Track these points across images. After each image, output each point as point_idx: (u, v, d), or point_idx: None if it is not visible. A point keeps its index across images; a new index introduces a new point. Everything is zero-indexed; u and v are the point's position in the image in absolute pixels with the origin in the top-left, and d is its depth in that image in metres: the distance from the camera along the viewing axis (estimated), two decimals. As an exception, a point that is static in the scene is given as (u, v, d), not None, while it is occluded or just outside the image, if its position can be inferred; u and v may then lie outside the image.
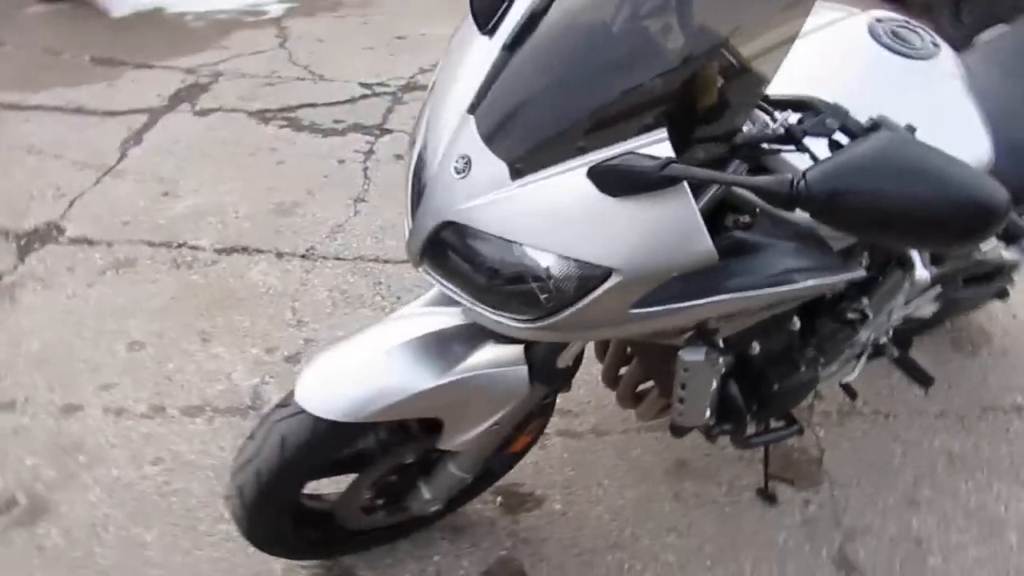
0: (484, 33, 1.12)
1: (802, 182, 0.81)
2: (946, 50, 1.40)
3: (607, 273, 0.97)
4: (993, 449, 1.98)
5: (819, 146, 0.99)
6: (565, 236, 0.98)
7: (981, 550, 1.75)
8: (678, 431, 1.62)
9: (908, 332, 1.85)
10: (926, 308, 1.83)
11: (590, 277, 0.98)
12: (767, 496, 1.84)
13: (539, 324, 1.06)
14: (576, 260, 0.98)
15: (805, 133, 1.01)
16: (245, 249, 2.52)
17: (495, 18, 1.12)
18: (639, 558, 1.71)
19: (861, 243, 1.34)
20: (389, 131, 3.22)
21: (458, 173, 1.04)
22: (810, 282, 1.15)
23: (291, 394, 1.30)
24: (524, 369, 1.26)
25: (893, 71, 1.33)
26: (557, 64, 1.06)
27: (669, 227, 0.94)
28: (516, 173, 1.00)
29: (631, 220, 0.95)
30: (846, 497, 1.85)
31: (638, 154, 0.92)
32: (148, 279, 2.39)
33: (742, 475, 1.89)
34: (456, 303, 1.28)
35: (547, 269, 1.00)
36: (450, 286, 1.13)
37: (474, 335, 1.28)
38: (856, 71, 1.32)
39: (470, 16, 1.16)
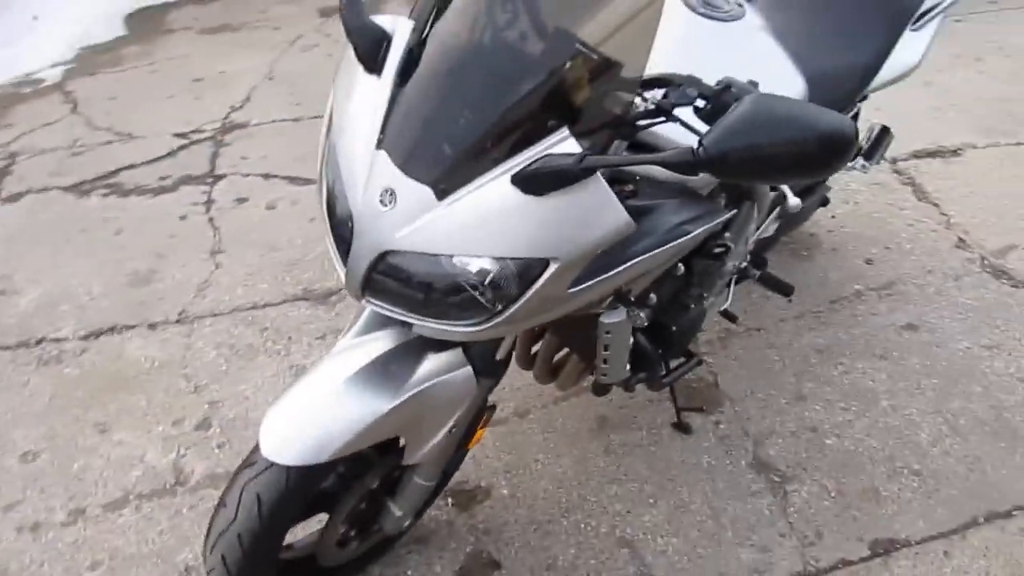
0: (371, 72, 1.19)
1: (701, 149, 0.95)
2: (749, 7, 1.61)
3: (545, 264, 1.08)
4: (848, 334, 2.29)
5: (685, 113, 1.14)
6: (501, 240, 1.08)
7: (864, 421, 2.04)
8: (601, 390, 1.77)
9: (761, 252, 2.10)
10: (771, 228, 2.08)
11: (530, 271, 1.09)
12: (682, 428, 2.03)
13: (490, 324, 1.15)
14: (514, 259, 1.08)
15: (673, 105, 1.15)
16: (113, 329, 2.41)
17: (379, 58, 1.18)
18: (591, 515, 1.85)
19: (721, 187, 1.53)
20: (222, 176, 3.15)
21: (384, 206, 1.11)
22: (700, 229, 1.32)
23: (254, 452, 1.32)
24: (468, 369, 1.35)
25: (714, 35, 1.52)
26: (449, 88, 1.14)
27: (591, 211, 1.06)
28: (442, 193, 1.09)
29: (558, 212, 1.06)
30: (746, 409, 2.08)
31: (554, 155, 1.03)
32: (17, 384, 2.24)
33: (656, 416, 2.07)
34: (388, 324, 1.36)
35: (489, 273, 1.10)
36: (396, 310, 1.19)
37: (413, 351, 1.35)
38: (684, 41, 1.50)
39: (351, 57, 1.22)
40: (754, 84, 1.12)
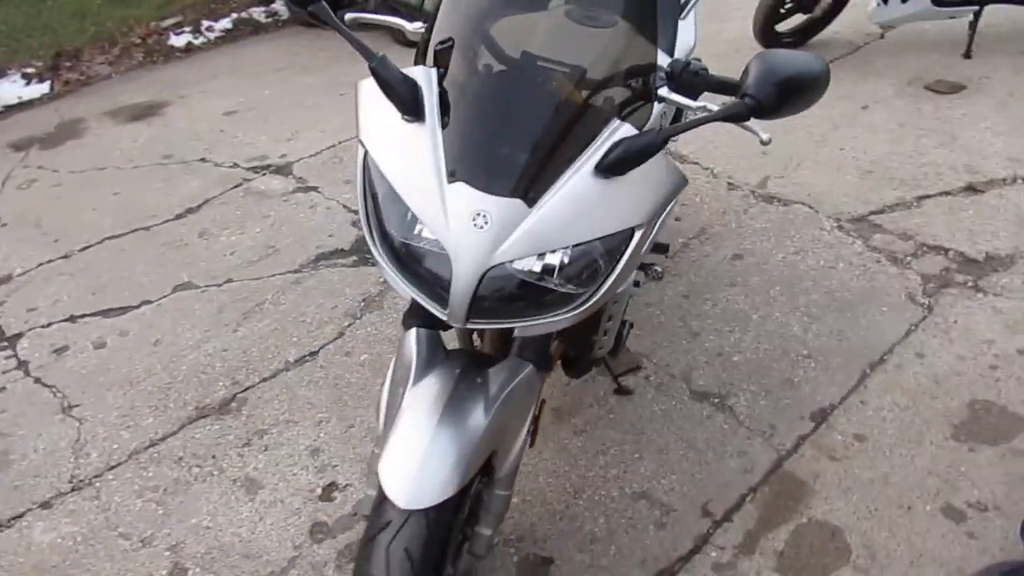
0: (412, 119, 1.28)
1: (748, 99, 1.21)
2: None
3: (630, 234, 1.27)
4: (698, 276, 2.72)
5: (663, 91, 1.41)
6: (591, 224, 1.24)
7: (750, 334, 2.45)
8: (582, 371, 1.95)
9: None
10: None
11: (618, 245, 1.27)
12: (624, 391, 2.28)
13: (587, 305, 1.30)
14: (603, 238, 1.26)
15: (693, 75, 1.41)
16: (-4, 525, 2.07)
17: (416, 105, 1.28)
18: (598, 486, 2.03)
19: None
20: (18, 335, 2.79)
21: (480, 228, 1.21)
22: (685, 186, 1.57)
23: (379, 515, 1.32)
24: (530, 366, 1.47)
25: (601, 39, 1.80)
26: (509, 113, 1.28)
27: (658, 176, 1.28)
28: (531, 201, 1.23)
29: (634, 185, 1.25)
30: (661, 358, 2.40)
31: (633, 137, 1.23)
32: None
33: (597, 391, 2.30)
34: (435, 357, 1.44)
35: (583, 258, 1.26)
36: (499, 322, 1.29)
37: (476, 369, 1.44)
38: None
39: (378, 113, 1.30)
40: (697, 59, 1.42)
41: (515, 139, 1.27)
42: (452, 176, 1.24)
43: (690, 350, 2.42)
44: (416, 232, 1.28)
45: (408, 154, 1.28)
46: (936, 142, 3.35)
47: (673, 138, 1.41)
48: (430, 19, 1.47)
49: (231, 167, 3.79)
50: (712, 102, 1.39)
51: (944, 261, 2.67)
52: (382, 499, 1.33)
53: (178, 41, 5.45)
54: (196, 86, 4.78)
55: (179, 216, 3.40)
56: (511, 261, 1.23)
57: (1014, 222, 2.83)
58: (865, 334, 2.41)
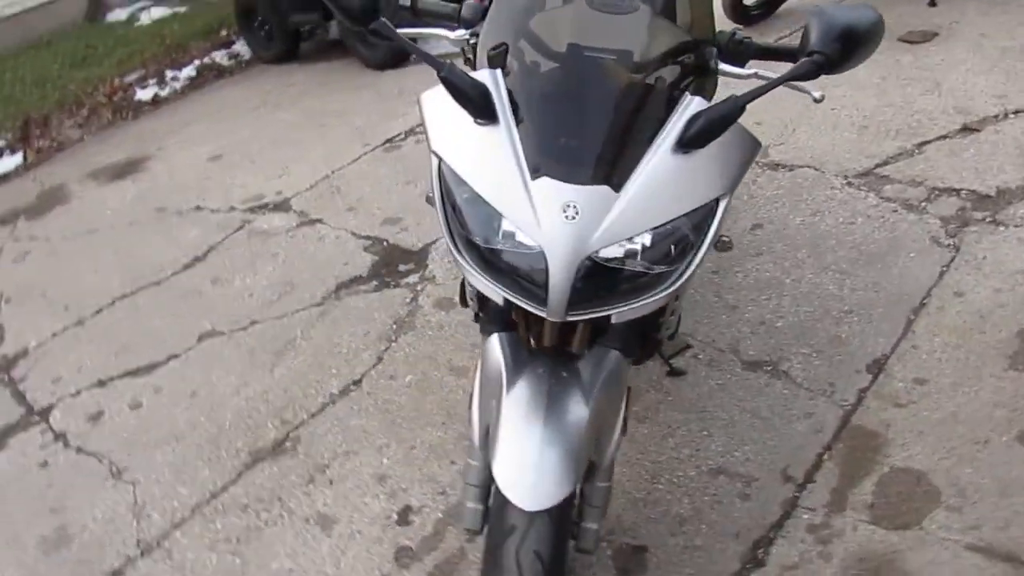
0: (483, 122, 1.28)
1: (817, 55, 1.22)
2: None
3: (715, 204, 1.28)
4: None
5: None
6: (678, 200, 1.25)
7: (787, 298, 2.47)
8: (648, 354, 1.95)
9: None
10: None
11: (705, 217, 1.28)
12: (677, 372, 2.29)
13: (680, 282, 1.30)
14: (690, 212, 1.26)
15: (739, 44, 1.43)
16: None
17: (488, 108, 1.28)
18: (674, 468, 2.03)
19: None
20: (49, 408, 2.74)
21: (571, 220, 1.21)
22: None
23: (502, 522, 1.32)
24: (618, 353, 1.47)
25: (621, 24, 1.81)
26: (575, 102, 1.29)
27: (735, 142, 1.29)
28: (616, 187, 1.23)
29: (714, 154, 1.26)
30: (705, 335, 2.41)
31: (713, 107, 1.23)
32: None
33: (649, 376, 2.31)
34: (522, 359, 1.44)
35: (673, 235, 1.26)
36: (597, 310, 1.29)
37: (558, 363, 1.45)
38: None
39: (449, 122, 1.30)
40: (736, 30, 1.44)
41: (591, 128, 1.27)
42: (536, 172, 1.24)
43: (732, 323, 2.43)
44: (503, 233, 1.27)
45: (487, 156, 1.28)
46: (922, 89, 3.41)
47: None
48: (481, 25, 1.48)
49: (228, 211, 3.75)
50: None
51: (958, 201, 2.72)
52: (502, 505, 1.32)
53: (144, 95, 5.39)
54: (173, 136, 4.74)
55: (187, 266, 3.36)
56: (605, 248, 1.23)
57: (1016, 155, 2.89)
58: (899, 282, 2.44)
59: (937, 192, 2.79)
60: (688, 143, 1.24)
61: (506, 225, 1.27)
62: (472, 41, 1.62)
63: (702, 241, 1.29)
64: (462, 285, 2.07)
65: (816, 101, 1.42)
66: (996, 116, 3.14)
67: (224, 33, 5.94)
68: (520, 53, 1.37)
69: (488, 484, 1.60)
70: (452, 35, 1.61)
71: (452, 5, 1.65)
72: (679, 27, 1.49)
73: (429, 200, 2.46)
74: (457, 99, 1.28)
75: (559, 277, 1.23)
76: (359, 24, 1.30)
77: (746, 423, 2.10)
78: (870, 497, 1.85)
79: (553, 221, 1.22)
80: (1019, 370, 2.07)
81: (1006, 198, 2.69)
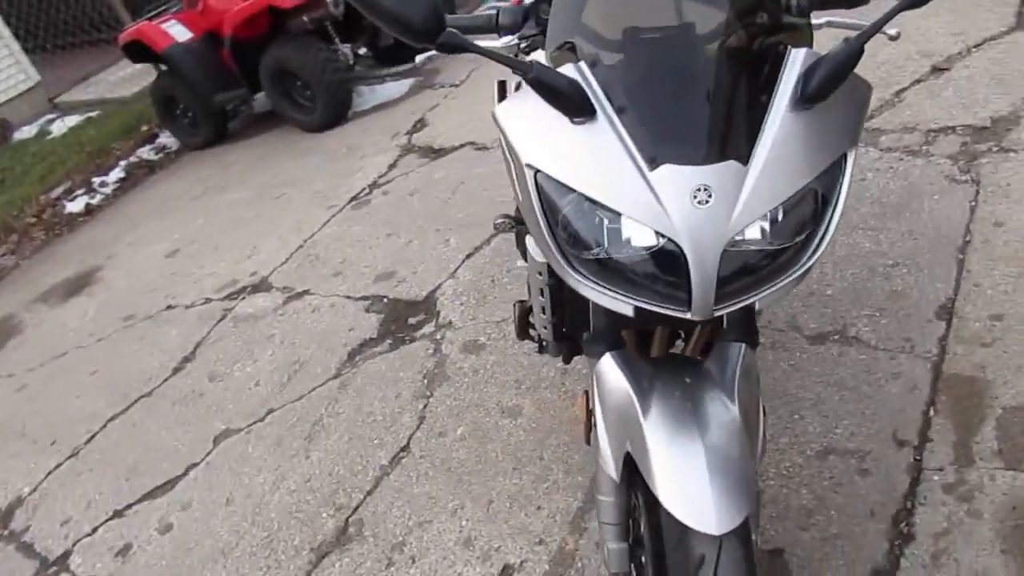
0: (581, 120, 1.15)
1: None
2: None
3: (843, 158, 1.17)
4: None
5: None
6: (809, 161, 1.14)
7: (828, 266, 2.40)
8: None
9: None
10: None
11: (834, 176, 1.17)
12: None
13: (821, 249, 1.19)
14: (821, 173, 1.15)
15: None
16: None
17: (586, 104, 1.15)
18: (777, 461, 1.91)
19: None
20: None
21: (703, 204, 1.09)
22: None
23: (685, 555, 1.18)
24: (744, 345, 1.35)
25: None
26: (676, 80, 1.17)
27: (852, 89, 1.19)
28: (743, 159, 1.11)
29: (833, 107, 1.16)
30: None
31: (830, 55, 1.13)
32: None
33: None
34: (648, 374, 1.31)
35: (804, 199, 1.15)
36: (742, 300, 1.16)
37: (679, 369, 1.33)
38: None
39: (538, 127, 1.17)
40: None
41: (698, 103, 1.16)
42: (653, 162, 1.11)
43: (780, 301, 2.34)
44: (625, 237, 1.14)
45: (593, 156, 1.14)
46: (880, 42, 3.43)
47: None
48: (527, 26, 1.37)
49: (205, 303, 3.53)
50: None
51: (958, 138, 2.71)
52: (683, 536, 1.18)
53: (75, 207, 5.13)
54: (120, 241, 4.49)
55: (177, 369, 3.13)
56: (747, 228, 1.11)
57: (994, 85, 2.91)
58: (934, 225, 2.39)
59: (934, 133, 2.78)
60: (810, 98, 1.13)
61: (627, 226, 1.14)
62: (524, 45, 1.50)
63: (836, 202, 1.18)
64: (521, 316, 1.94)
65: (892, 39, 1.34)
66: (960, 53, 3.17)
67: (145, 128, 5.72)
68: (593, 45, 1.25)
69: (627, 519, 1.46)
70: (499, 43, 1.49)
71: (486, 14, 1.53)
72: None
73: (498, 226, 2.32)
74: (549, 100, 1.15)
75: (703, 270, 1.10)
76: (426, 41, 1.16)
77: (835, 397, 2.00)
78: (995, 443, 1.76)
79: (685, 210, 1.09)
80: (1090, 283, 2.03)
81: (1003, 126, 2.69)
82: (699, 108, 1.15)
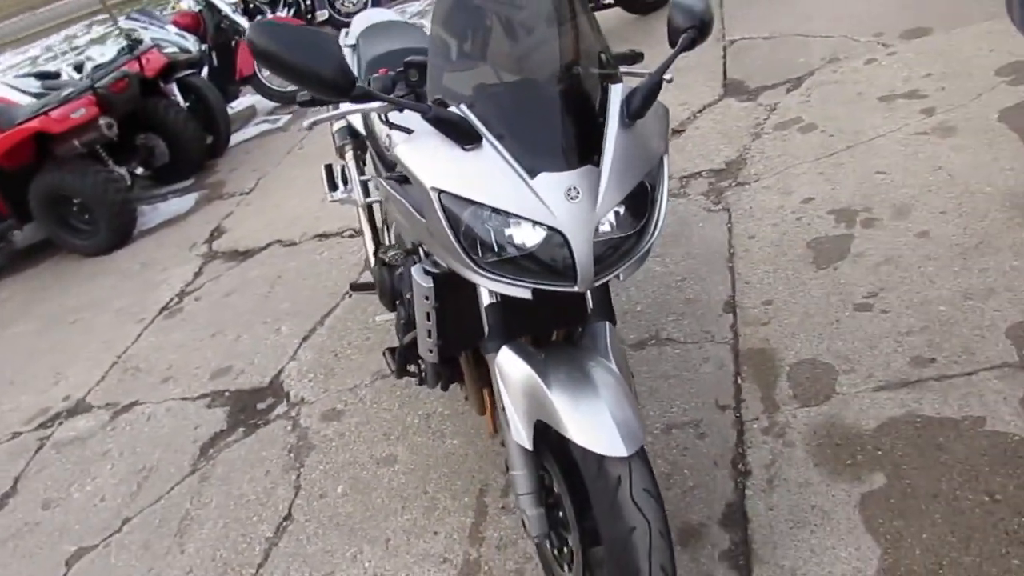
0: (471, 147, 1.44)
1: (692, 31, 1.58)
2: None
3: (661, 160, 1.56)
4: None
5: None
6: (640, 163, 1.50)
7: (642, 291, 2.85)
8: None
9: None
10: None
11: (657, 172, 1.55)
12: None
13: (656, 234, 1.55)
14: (647, 172, 1.53)
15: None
16: None
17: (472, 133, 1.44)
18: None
19: None
20: None
21: (575, 200, 1.41)
22: None
23: (604, 479, 1.44)
24: (609, 323, 1.68)
25: None
26: (535, 106, 1.49)
27: (657, 110, 1.58)
28: (595, 163, 1.46)
29: (649, 122, 1.55)
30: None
31: (641, 84, 1.52)
32: None
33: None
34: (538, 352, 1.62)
35: (640, 194, 1.52)
36: (608, 275, 1.49)
37: (570, 351, 1.65)
38: None
39: (437, 157, 1.44)
40: None
41: (556, 127, 1.47)
42: (532, 172, 1.42)
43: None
44: (514, 235, 1.43)
45: (485, 174, 1.43)
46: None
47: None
48: (411, 88, 1.65)
49: (13, 438, 3.30)
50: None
51: (705, 179, 3.35)
52: (598, 465, 1.44)
53: None
54: None
55: (-2, 507, 2.89)
56: (607, 215, 1.45)
57: (721, 137, 3.63)
58: (705, 245, 2.94)
59: (686, 178, 3.40)
60: (632, 115, 1.52)
61: (517, 228, 1.43)
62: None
63: (661, 194, 1.56)
64: (400, 355, 2.13)
65: (668, 82, 1.78)
66: (689, 118, 3.90)
67: None
68: (463, 94, 1.55)
69: (540, 486, 1.70)
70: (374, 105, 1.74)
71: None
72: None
73: (354, 286, 2.52)
74: (446, 132, 1.44)
75: (582, 249, 1.42)
76: (340, 94, 1.39)
77: (664, 385, 2.39)
78: (790, 390, 2.22)
79: (563, 206, 1.41)
80: (823, 268, 2.63)
81: (735, 166, 3.37)
82: (557, 130, 1.49)
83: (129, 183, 5.15)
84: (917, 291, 2.38)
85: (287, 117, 6.36)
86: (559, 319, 1.82)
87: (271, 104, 6.67)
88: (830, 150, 3.22)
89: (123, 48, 5.34)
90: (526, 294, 1.48)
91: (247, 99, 7.00)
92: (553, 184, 1.42)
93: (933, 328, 2.24)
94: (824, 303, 2.48)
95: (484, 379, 2.11)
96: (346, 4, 8.03)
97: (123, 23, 5.89)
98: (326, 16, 7.76)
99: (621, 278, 1.55)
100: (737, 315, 2.57)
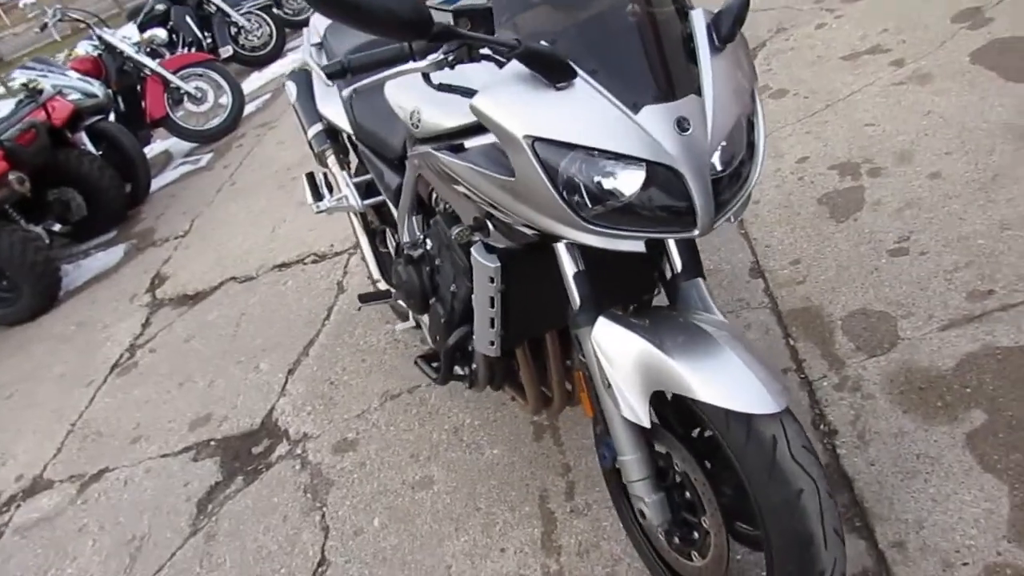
0: (563, 85, 1.26)
1: None
2: None
3: (753, 92, 1.42)
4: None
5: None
6: (737, 92, 1.35)
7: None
8: None
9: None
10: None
11: (752, 102, 1.41)
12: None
13: (759, 170, 1.40)
14: (747, 100, 1.39)
15: None
16: None
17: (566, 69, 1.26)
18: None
19: None
20: None
21: (687, 132, 1.25)
22: None
23: (759, 442, 1.27)
24: (702, 279, 1.52)
25: None
26: (622, 38, 1.32)
27: (740, 37, 1.44)
28: (698, 92, 1.30)
29: (735, 48, 1.40)
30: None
31: (727, 5, 1.37)
32: None
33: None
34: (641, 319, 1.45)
35: (740, 124, 1.37)
36: (722, 217, 1.33)
37: (666, 316, 1.48)
38: None
39: (526, 101, 1.25)
40: None
41: (648, 56, 1.30)
42: (635, 107, 1.25)
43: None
44: (623, 177, 1.26)
45: (583, 112, 1.25)
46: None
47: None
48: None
49: (-38, 531, 2.86)
50: None
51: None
52: (747, 425, 1.27)
53: None
54: None
55: (-38, 610, 2.49)
56: (722, 146, 1.29)
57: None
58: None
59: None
60: (723, 39, 1.37)
61: (624, 170, 1.26)
62: (450, 59, 1.56)
63: (758, 126, 1.41)
64: (447, 358, 1.91)
65: None
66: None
67: None
68: (542, 30, 1.36)
69: (655, 470, 1.51)
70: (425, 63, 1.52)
71: (397, 45, 1.55)
72: None
73: (363, 297, 2.27)
74: (536, 68, 1.25)
75: (701, 186, 1.26)
76: (418, 34, 1.18)
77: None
78: (850, 344, 2.10)
79: (674, 139, 1.24)
80: (842, 221, 2.55)
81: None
82: (651, 59, 1.32)
83: (48, 241, 4.71)
84: (949, 229, 2.32)
85: (208, 155, 5.99)
86: (635, 285, 1.66)
87: (188, 145, 6.29)
88: (810, 111, 3.17)
89: (22, 99, 4.90)
90: (639, 247, 1.30)
91: (160, 144, 6.59)
92: (660, 117, 1.25)
93: (979, 261, 2.17)
94: (855, 254, 2.39)
95: (542, 372, 1.92)
96: (250, 38, 7.73)
97: (17, 74, 5.42)
98: (230, 52, 7.46)
99: (732, 220, 1.39)
100: (767, 278, 2.45)
